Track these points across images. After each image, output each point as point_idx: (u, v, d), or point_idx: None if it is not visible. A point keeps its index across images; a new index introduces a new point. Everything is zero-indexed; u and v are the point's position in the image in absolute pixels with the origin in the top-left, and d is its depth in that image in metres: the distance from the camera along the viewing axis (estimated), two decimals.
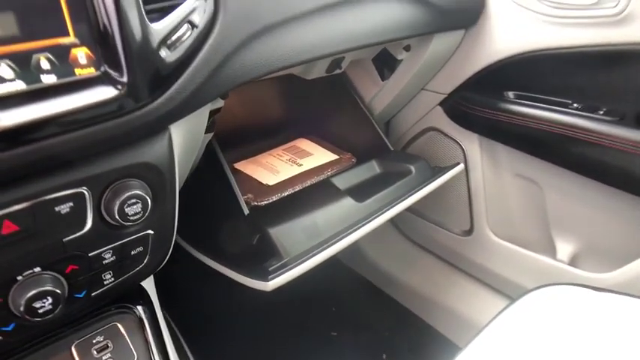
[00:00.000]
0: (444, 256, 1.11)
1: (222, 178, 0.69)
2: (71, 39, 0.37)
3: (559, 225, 0.87)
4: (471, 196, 0.97)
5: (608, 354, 0.53)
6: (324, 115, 0.99)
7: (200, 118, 0.55)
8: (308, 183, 0.81)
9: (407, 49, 0.82)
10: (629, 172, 0.71)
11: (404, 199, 0.74)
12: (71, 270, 0.45)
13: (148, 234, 0.49)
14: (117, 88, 0.39)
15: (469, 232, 1.01)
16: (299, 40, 0.55)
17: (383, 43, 0.73)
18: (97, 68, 0.38)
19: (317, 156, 0.90)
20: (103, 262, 0.47)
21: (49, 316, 0.43)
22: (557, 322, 0.58)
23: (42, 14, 0.35)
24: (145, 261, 0.51)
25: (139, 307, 0.56)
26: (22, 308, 0.41)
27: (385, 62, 0.88)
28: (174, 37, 0.41)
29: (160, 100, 0.42)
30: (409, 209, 0.74)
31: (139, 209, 0.44)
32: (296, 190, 0.79)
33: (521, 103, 0.81)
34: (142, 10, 0.39)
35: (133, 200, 0.43)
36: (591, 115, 0.73)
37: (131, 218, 0.44)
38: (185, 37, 0.42)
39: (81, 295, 0.47)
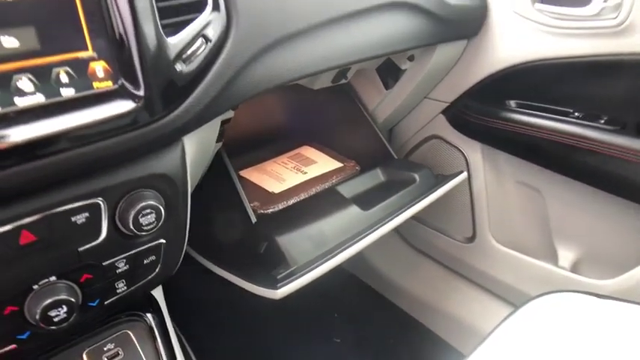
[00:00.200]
0: (446, 262, 1.11)
1: (229, 186, 0.69)
2: (89, 53, 0.38)
3: (561, 232, 0.88)
4: (474, 204, 0.97)
5: None
6: (328, 123, 0.99)
7: (212, 128, 0.55)
8: (313, 191, 0.81)
9: (411, 59, 0.83)
10: (630, 180, 0.72)
11: (409, 208, 0.74)
12: (85, 279, 0.45)
13: (161, 243, 0.49)
14: (134, 102, 0.39)
15: (471, 239, 1.01)
16: (308, 54, 0.56)
17: (388, 55, 0.74)
18: (115, 82, 0.39)
19: (321, 164, 0.91)
20: (117, 271, 0.47)
21: (64, 324, 0.43)
22: (562, 330, 0.58)
23: (61, 29, 0.36)
24: (157, 270, 0.51)
25: (149, 315, 0.57)
26: (37, 317, 0.41)
27: (389, 72, 0.89)
28: (189, 52, 0.42)
29: (175, 113, 0.42)
30: (412, 216, 0.75)
31: (153, 219, 0.45)
32: (302, 198, 0.79)
33: (522, 112, 0.82)
34: (159, 24, 0.40)
35: (147, 210, 0.44)
36: (592, 123, 0.74)
37: (145, 228, 0.45)
38: (200, 51, 0.43)
39: (94, 304, 0.48)
